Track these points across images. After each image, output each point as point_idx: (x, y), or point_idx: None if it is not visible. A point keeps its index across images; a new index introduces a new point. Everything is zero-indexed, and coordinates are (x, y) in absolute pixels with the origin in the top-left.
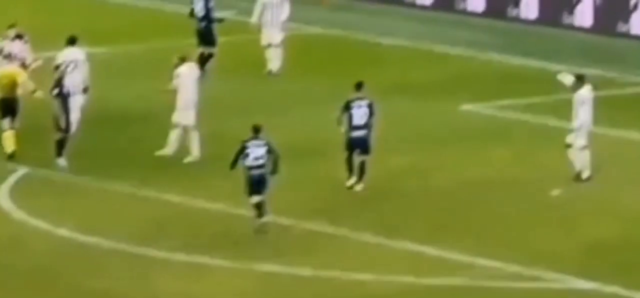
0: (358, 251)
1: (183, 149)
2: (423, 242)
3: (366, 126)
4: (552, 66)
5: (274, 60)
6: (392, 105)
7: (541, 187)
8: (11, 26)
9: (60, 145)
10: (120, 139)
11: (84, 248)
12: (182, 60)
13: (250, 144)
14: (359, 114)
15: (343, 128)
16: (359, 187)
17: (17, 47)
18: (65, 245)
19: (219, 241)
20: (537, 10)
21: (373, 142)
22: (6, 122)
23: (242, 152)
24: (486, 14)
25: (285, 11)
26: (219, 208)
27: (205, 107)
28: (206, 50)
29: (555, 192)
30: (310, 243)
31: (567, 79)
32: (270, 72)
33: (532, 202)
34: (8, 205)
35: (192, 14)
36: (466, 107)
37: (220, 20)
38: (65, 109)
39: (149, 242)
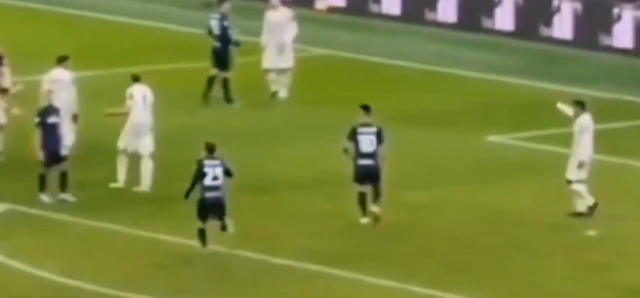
0: (371, 296)
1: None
2: (443, 287)
3: (374, 154)
4: (588, 92)
5: (281, 87)
6: (408, 136)
7: (574, 225)
8: None
9: (42, 179)
10: (109, 172)
11: (67, 292)
12: (136, 79)
13: (206, 163)
14: (366, 141)
15: (351, 157)
16: (375, 209)
17: None
18: (46, 288)
19: (215, 285)
20: (571, 30)
21: (383, 171)
22: None
23: (199, 172)
24: (515, 34)
25: (291, 31)
26: (215, 249)
27: (202, 135)
28: (219, 73)
29: (591, 232)
30: (319, 288)
31: (568, 108)
32: (274, 94)
33: (565, 243)
34: None
35: (210, 32)
36: (491, 138)
37: (237, 44)
38: (48, 139)
39: (138, 287)
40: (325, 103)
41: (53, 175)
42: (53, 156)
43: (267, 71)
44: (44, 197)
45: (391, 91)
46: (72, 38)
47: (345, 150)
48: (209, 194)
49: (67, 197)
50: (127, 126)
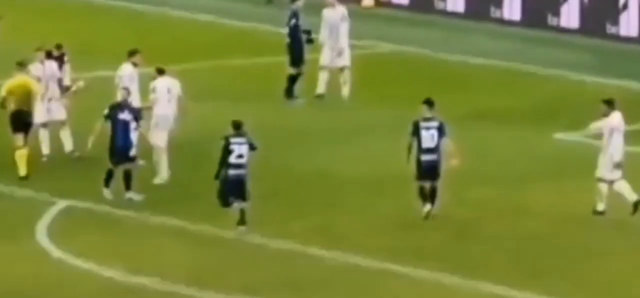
0: (435, 294)
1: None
2: (511, 285)
3: (436, 149)
4: None
5: (342, 86)
6: (474, 133)
7: None
8: (39, 49)
9: (109, 175)
10: (173, 169)
11: (132, 291)
12: (160, 72)
13: (232, 140)
14: (428, 136)
15: (409, 156)
16: (430, 209)
17: (49, 69)
18: (110, 288)
19: (279, 283)
20: (638, 28)
21: (443, 166)
22: (20, 138)
23: (226, 150)
24: (582, 31)
25: (343, 29)
26: (278, 246)
27: (265, 132)
28: (290, 69)
29: None
30: (382, 285)
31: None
32: (319, 97)
33: (635, 245)
34: (46, 243)
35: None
36: (559, 135)
37: (310, 40)
38: (116, 136)
39: (203, 284)
40: (390, 100)
41: (118, 173)
42: (120, 153)
43: (322, 68)
44: (107, 193)
45: (457, 88)
46: (134, 34)
47: (409, 149)
48: (233, 172)
49: (133, 195)
50: (153, 120)
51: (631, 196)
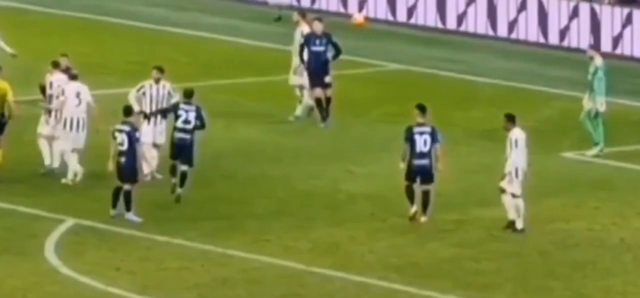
0: None
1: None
2: None
3: (429, 154)
4: None
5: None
6: (484, 152)
7: None
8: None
9: (116, 193)
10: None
11: None
12: (72, 77)
13: (182, 106)
14: (422, 141)
15: (405, 161)
16: (423, 219)
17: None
18: None
19: None
20: None
21: (436, 170)
22: None
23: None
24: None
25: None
26: (284, 264)
27: (273, 151)
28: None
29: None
30: None
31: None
32: (296, 118)
33: None
34: (54, 260)
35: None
36: (567, 154)
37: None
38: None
39: None
40: (396, 117)
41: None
42: (126, 172)
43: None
44: (113, 212)
45: (466, 107)
46: (142, 52)
47: (404, 156)
48: (178, 135)
49: (132, 217)
50: (61, 123)
51: (510, 213)
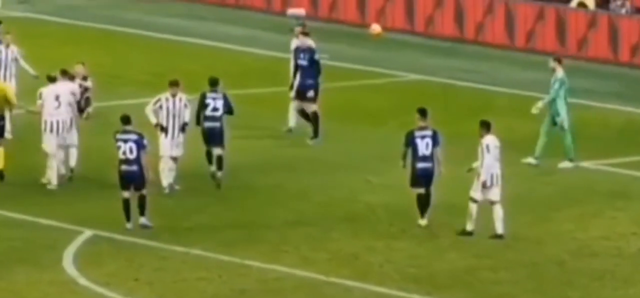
0: None
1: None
2: None
3: (431, 157)
4: None
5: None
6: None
7: None
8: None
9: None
10: (201, 197)
11: None
12: (50, 79)
13: (208, 95)
14: (423, 144)
15: (405, 163)
16: (423, 222)
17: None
18: None
19: None
20: None
21: (437, 173)
22: None
23: (202, 104)
24: (608, 60)
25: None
26: (303, 275)
27: (282, 163)
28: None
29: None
30: None
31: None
32: (290, 130)
33: None
34: (72, 271)
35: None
36: (583, 164)
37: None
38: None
39: None
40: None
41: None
42: (137, 179)
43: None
44: (128, 225)
45: (483, 117)
46: (159, 63)
47: (404, 157)
48: (208, 124)
49: (146, 222)
50: (42, 126)
51: (470, 224)
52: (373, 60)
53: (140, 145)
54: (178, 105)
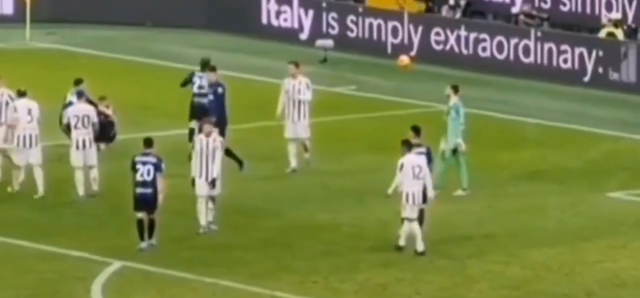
0: None
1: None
2: None
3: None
4: None
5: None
6: (531, 193)
7: None
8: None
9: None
10: (230, 229)
11: None
12: (20, 94)
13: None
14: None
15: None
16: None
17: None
18: None
19: None
20: None
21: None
22: None
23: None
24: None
25: (308, 97)
26: None
27: (307, 193)
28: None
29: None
30: None
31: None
32: (293, 171)
33: None
34: None
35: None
36: (614, 194)
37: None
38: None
39: None
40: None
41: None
42: (151, 202)
43: (288, 141)
44: (143, 244)
45: (513, 147)
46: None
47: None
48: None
49: (154, 242)
50: (15, 141)
51: (419, 245)
52: (402, 91)
53: (158, 169)
54: (211, 146)
